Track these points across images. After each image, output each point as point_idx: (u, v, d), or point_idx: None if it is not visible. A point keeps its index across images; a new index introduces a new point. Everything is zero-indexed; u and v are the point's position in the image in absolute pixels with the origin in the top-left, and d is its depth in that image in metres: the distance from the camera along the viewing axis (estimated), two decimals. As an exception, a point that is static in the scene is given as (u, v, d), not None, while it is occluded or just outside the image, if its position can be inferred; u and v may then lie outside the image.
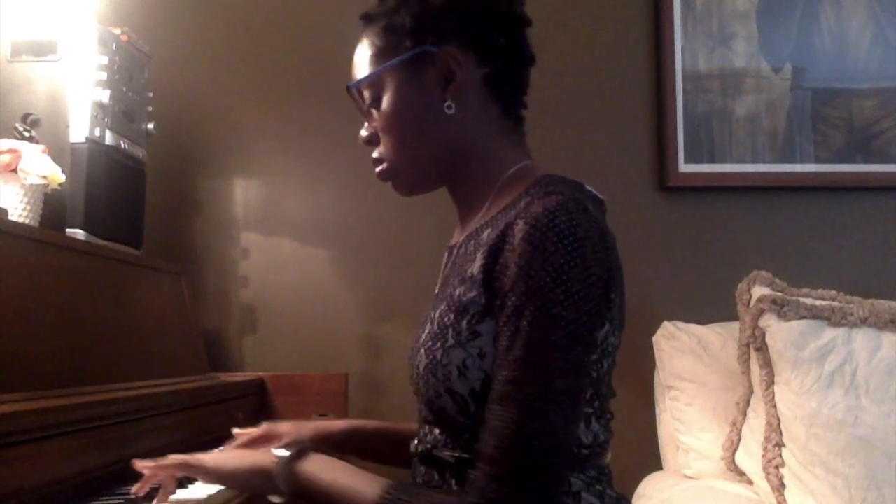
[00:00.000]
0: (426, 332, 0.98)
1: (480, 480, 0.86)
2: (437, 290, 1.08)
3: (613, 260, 0.93)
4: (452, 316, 0.94)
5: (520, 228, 0.89)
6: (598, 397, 0.96)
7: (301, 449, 0.99)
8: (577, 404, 0.90)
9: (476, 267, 0.93)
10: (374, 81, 1.04)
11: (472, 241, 1.00)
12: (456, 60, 1.01)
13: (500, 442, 0.86)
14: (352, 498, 0.92)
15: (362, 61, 1.05)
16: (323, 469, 0.96)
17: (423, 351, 0.97)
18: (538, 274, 0.86)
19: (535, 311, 0.86)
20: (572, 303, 0.86)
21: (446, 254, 1.12)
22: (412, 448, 1.03)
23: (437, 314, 0.97)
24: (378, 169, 1.07)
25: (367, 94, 1.05)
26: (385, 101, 1.03)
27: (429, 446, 0.99)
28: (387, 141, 1.04)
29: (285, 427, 1.19)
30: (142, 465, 1.03)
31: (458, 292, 0.95)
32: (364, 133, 1.07)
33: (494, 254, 0.91)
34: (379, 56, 1.03)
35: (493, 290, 0.91)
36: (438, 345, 0.94)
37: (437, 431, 0.98)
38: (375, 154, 1.07)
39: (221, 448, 1.17)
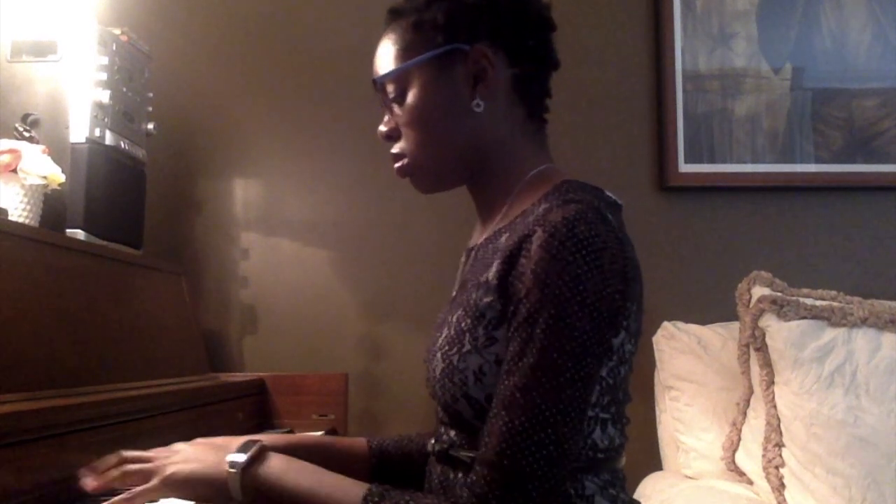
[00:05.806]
0: (443, 336, 0.97)
1: (479, 485, 0.85)
2: (454, 293, 1.07)
3: (631, 269, 0.92)
4: (469, 321, 0.94)
5: (538, 236, 0.87)
6: (614, 403, 0.95)
7: (261, 448, 0.94)
8: (584, 415, 0.88)
9: (493, 272, 0.92)
10: (401, 76, 1.02)
11: (491, 246, 1.00)
12: (488, 59, 1.00)
13: (503, 448, 0.84)
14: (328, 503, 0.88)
15: (388, 55, 1.03)
16: (288, 473, 0.92)
17: (439, 355, 0.96)
18: (555, 282, 0.85)
19: (550, 319, 0.85)
20: (587, 313, 0.85)
21: (464, 256, 1.11)
22: (429, 447, 1.03)
23: (454, 318, 0.96)
24: (398, 164, 1.05)
25: (391, 88, 1.03)
26: (411, 96, 1.02)
27: (445, 446, 0.99)
28: (410, 136, 1.03)
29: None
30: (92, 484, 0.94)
31: (474, 297, 0.94)
32: (383, 128, 1.06)
33: (511, 260, 0.90)
34: (407, 51, 1.02)
35: (508, 297, 0.90)
36: (455, 350, 0.94)
37: (452, 433, 0.98)
38: (395, 149, 1.05)
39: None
